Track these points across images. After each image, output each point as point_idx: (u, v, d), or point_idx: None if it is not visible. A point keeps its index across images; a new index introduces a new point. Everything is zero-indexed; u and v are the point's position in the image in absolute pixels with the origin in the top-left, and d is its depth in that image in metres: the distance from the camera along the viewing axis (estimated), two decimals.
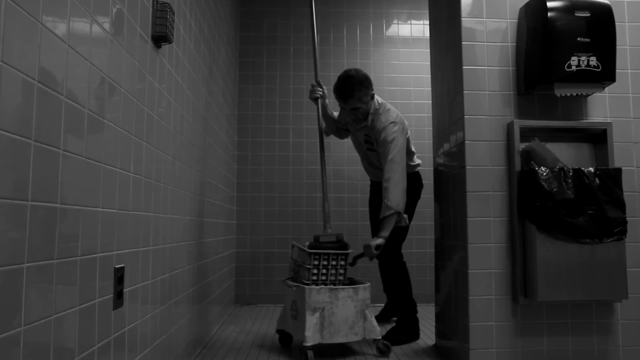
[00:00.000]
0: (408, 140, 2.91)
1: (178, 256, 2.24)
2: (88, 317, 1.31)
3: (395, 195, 2.66)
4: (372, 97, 2.81)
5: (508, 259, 2.27)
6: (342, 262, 2.61)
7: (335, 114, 3.14)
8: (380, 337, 2.57)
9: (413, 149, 3.03)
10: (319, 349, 2.56)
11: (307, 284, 2.54)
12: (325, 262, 2.58)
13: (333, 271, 2.59)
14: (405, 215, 2.75)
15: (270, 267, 4.26)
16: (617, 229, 2.16)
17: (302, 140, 4.37)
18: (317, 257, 2.57)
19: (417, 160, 3.05)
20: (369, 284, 2.61)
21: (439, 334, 2.77)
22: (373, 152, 2.93)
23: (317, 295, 2.48)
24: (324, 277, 2.58)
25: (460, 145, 2.37)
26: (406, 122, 2.90)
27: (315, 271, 2.56)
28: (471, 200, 2.28)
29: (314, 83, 3.03)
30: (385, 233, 2.68)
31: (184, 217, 2.36)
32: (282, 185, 4.33)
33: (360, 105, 2.76)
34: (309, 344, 2.41)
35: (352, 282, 2.70)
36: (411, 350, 2.77)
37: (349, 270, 2.69)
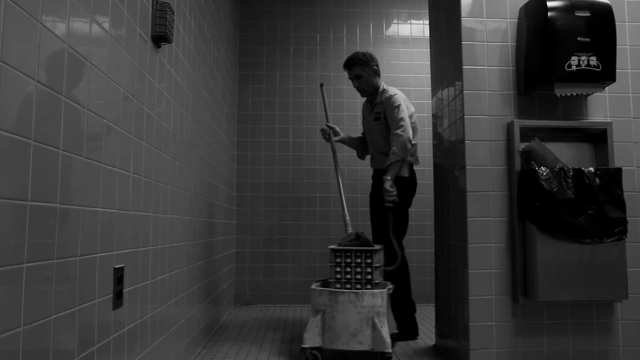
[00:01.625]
0: (414, 127, 3.07)
1: (178, 256, 2.23)
2: (88, 317, 1.31)
3: (402, 144, 2.90)
4: (376, 72, 3.11)
5: (508, 259, 2.27)
6: (368, 261, 2.49)
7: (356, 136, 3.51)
8: (390, 351, 2.33)
9: (415, 141, 3.10)
10: (330, 354, 2.49)
11: (331, 283, 2.52)
12: (348, 260, 2.51)
13: (358, 269, 2.49)
14: (408, 164, 3.01)
15: (270, 267, 4.26)
16: (617, 228, 2.16)
17: (302, 140, 4.37)
18: (339, 254, 2.53)
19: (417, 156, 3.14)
20: (380, 290, 2.42)
21: (439, 334, 2.77)
22: (381, 126, 3.12)
23: (318, 297, 2.44)
24: (348, 276, 2.49)
25: (460, 145, 2.37)
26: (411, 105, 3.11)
27: (338, 269, 2.51)
28: (471, 200, 2.28)
29: (324, 127, 3.28)
30: (391, 175, 2.91)
31: (184, 217, 2.36)
32: (282, 185, 4.33)
33: (362, 73, 3.08)
34: (305, 345, 2.39)
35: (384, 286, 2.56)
36: (411, 350, 2.77)
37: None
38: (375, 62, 3.13)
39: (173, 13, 1.98)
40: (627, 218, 2.19)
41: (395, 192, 2.87)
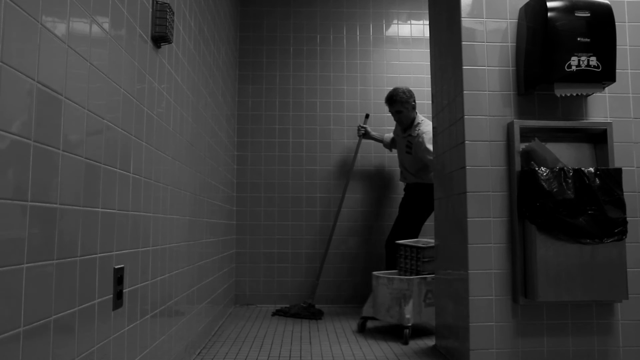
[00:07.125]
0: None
1: (178, 256, 2.23)
2: (88, 318, 1.31)
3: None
4: (413, 107, 3.72)
5: (508, 259, 2.27)
6: (419, 256, 3.11)
7: (387, 135, 4.15)
8: (408, 325, 2.91)
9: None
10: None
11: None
12: (406, 254, 3.24)
13: (414, 262, 3.16)
14: None
15: (270, 267, 4.26)
16: (617, 229, 2.16)
17: (301, 140, 4.36)
18: (401, 248, 3.27)
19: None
20: (407, 277, 2.97)
21: (439, 334, 2.77)
22: (410, 155, 3.70)
23: (373, 280, 3.20)
24: (407, 266, 3.22)
25: (460, 145, 2.37)
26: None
27: (401, 260, 3.26)
28: (471, 200, 2.28)
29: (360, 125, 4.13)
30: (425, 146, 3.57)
31: (184, 218, 2.36)
32: (282, 185, 4.33)
33: (401, 109, 3.70)
34: (363, 314, 3.23)
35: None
36: (411, 350, 2.77)
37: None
38: (413, 97, 3.70)
39: (173, 13, 1.98)
40: (627, 218, 2.19)
41: (366, 134, 4.06)
